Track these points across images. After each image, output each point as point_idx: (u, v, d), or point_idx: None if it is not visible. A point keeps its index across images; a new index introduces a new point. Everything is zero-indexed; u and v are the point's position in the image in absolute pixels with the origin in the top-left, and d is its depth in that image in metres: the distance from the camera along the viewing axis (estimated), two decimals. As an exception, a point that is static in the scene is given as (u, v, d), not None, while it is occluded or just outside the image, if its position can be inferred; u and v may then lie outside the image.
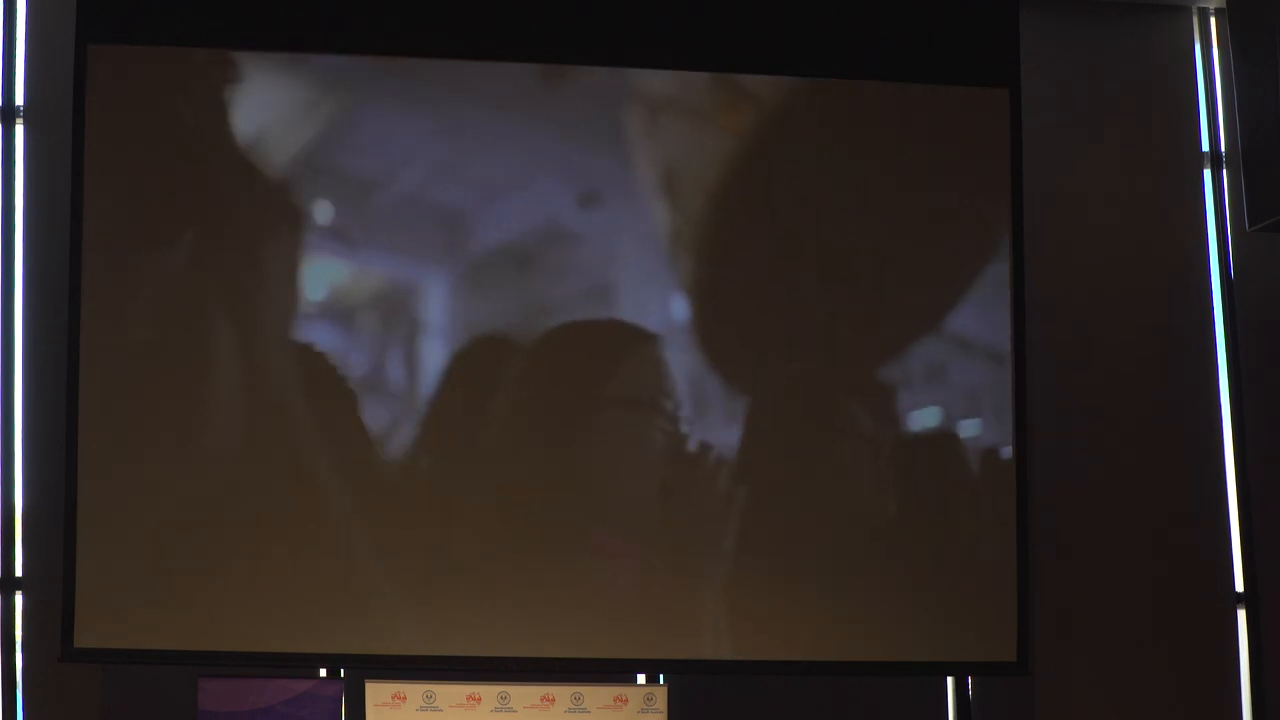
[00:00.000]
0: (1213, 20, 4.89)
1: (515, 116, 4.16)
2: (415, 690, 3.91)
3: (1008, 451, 4.27)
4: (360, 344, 4.06)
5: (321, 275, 4.07)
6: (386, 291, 4.10)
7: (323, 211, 4.08)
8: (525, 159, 4.16)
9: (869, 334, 4.26)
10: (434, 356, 4.09)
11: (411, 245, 4.10)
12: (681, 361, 4.16)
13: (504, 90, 4.16)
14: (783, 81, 4.27)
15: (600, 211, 4.18)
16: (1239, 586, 4.70)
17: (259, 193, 4.05)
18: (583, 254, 4.16)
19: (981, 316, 4.32)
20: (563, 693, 3.95)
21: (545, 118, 4.17)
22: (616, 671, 4.16)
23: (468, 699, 3.92)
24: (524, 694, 3.93)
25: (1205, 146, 4.86)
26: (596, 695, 3.96)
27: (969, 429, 4.29)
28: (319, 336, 4.04)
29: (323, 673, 4.12)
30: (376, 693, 3.91)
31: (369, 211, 4.09)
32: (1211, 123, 4.89)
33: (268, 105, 4.09)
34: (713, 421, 4.18)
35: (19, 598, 4.21)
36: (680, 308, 4.19)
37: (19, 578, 4.21)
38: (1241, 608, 4.69)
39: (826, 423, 4.22)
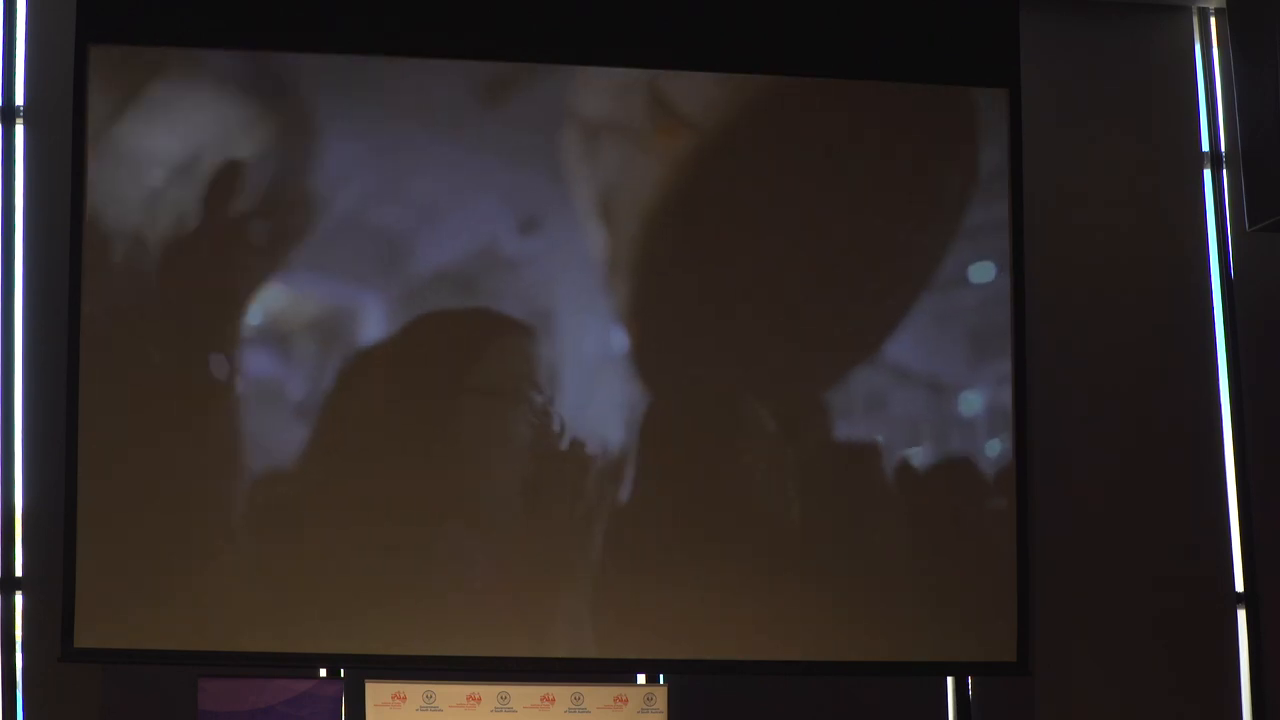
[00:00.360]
0: (1213, 20, 4.89)
1: (454, 138, 4.14)
2: (415, 690, 3.91)
3: (1008, 451, 4.27)
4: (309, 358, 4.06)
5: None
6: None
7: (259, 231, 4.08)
8: (464, 181, 4.14)
9: (865, 330, 4.26)
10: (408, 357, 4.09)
11: (349, 267, 4.09)
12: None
13: (442, 111, 4.15)
14: (782, 81, 4.28)
15: (540, 236, 4.16)
16: (1239, 586, 4.70)
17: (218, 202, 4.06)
18: (521, 278, 4.13)
19: (980, 316, 4.32)
20: (563, 693, 3.95)
21: (484, 139, 4.15)
22: (616, 671, 4.16)
23: (468, 699, 3.92)
24: (524, 694, 3.93)
25: (1205, 146, 4.86)
26: (596, 695, 3.96)
27: (968, 429, 4.28)
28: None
29: (323, 673, 4.12)
30: (376, 693, 3.91)
31: (306, 232, 4.09)
32: (1211, 123, 4.89)
33: (209, 117, 4.09)
34: (714, 424, 4.20)
35: (19, 598, 4.21)
36: (624, 335, 4.17)
37: (19, 578, 4.21)
38: (1241, 608, 4.69)
39: (827, 423, 4.23)
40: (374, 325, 4.08)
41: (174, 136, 4.04)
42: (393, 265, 4.09)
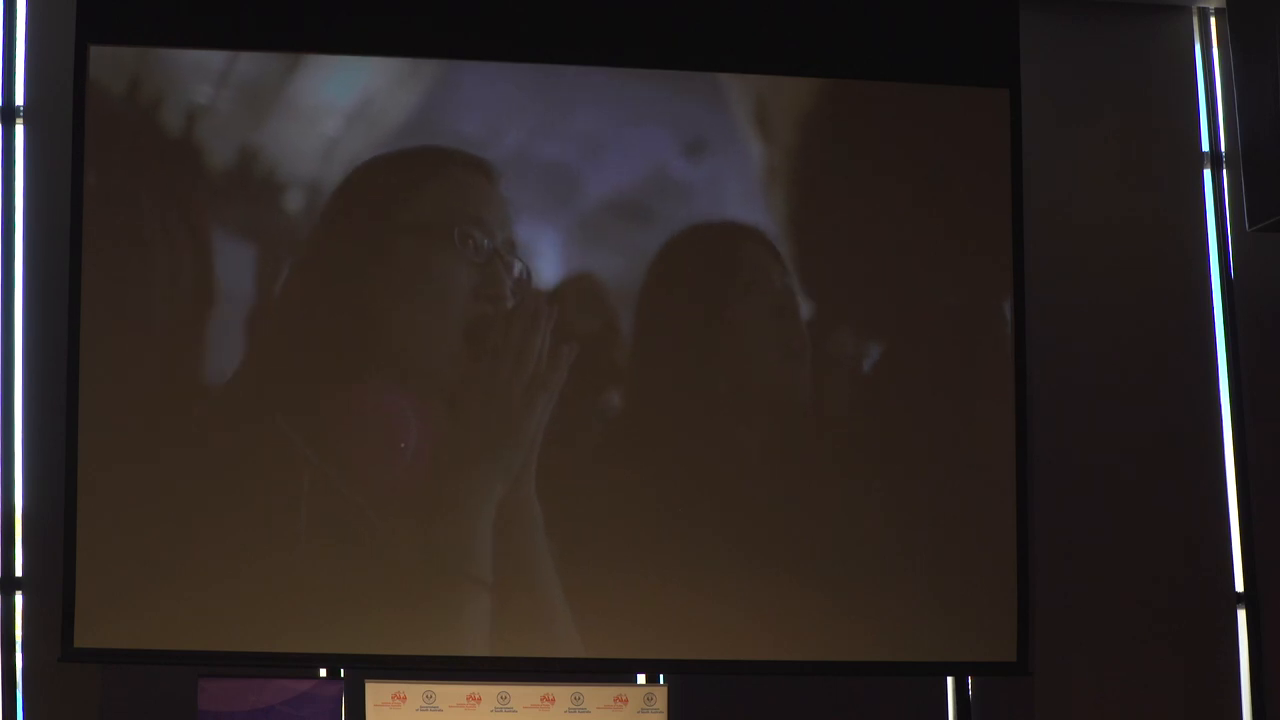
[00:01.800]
0: (1213, 20, 4.89)
1: (602, 70, 4.19)
2: (415, 690, 3.91)
3: (1008, 451, 4.27)
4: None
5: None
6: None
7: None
8: (623, 110, 4.19)
9: (863, 333, 4.26)
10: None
11: (522, 202, 4.13)
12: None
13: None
14: (782, 81, 4.27)
15: (705, 158, 4.21)
16: (1239, 586, 4.70)
17: (297, 191, 4.07)
18: (688, 200, 4.19)
19: (981, 316, 4.32)
20: (563, 693, 3.95)
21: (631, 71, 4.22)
22: (616, 671, 4.17)
23: (468, 699, 3.92)
24: (524, 694, 3.93)
25: (1205, 146, 4.86)
26: (596, 695, 3.96)
27: (968, 429, 4.28)
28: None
29: (323, 673, 4.12)
30: (376, 693, 3.91)
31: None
32: (1211, 123, 4.89)
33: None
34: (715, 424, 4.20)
35: (19, 598, 4.21)
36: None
37: (19, 578, 4.22)
38: (1241, 608, 4.69)
39: (827, 423, 4.23)
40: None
41: (179, 133, 4.05)
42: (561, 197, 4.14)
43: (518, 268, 4.09)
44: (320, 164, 4.08)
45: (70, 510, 3.95)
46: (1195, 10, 4.87)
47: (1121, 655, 4.55)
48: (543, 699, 3.93)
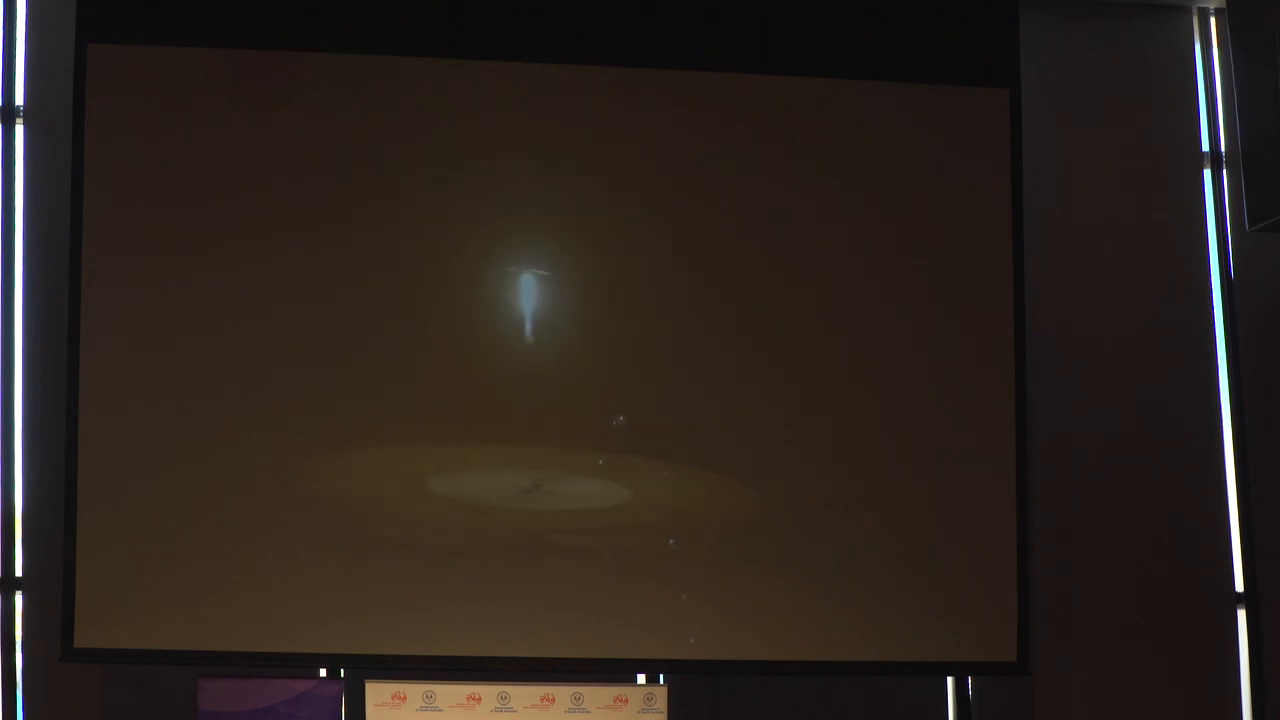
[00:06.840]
0: (1213, 20, 4.90)
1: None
2: (415, 690, 3.91)
3: (1008, 452, 4.27)
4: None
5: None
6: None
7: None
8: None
9: (865, 333, 4.26)
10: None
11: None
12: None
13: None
14: (783, 81, 4.27)
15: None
16: (1239, 586, 4.70)
17: (277, 192, 4.07)
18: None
19: (980, 316, 4.32)
20: (563, 693, 3.95)
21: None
22: (616, 671, 4.17)
23: (468, 699, 3.92)
24: (524, 694, 3.93)
25: (1205, 146, 4.87)
26: (596, 695, 3.96)
27: (968, 429, 4.28)
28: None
29: (323, 673, 4.12)
30: (376, 693, 3.91)
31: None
32: (1211, 123, 4.89)
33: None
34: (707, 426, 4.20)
35: (19, 598, 4.21)
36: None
37: (19, 578, 4.22)
38: (1241, 608, 4.69)
39: (826, 424, 4.22)
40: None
41: (177, 134, 4.04)
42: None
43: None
44: (321, 163, 4.08)
45: (70, 510, 3.95)
46: (1195, 10, 4.88)
47: (1121, 655, 4.55)
48: (543, 699, 3.93)
